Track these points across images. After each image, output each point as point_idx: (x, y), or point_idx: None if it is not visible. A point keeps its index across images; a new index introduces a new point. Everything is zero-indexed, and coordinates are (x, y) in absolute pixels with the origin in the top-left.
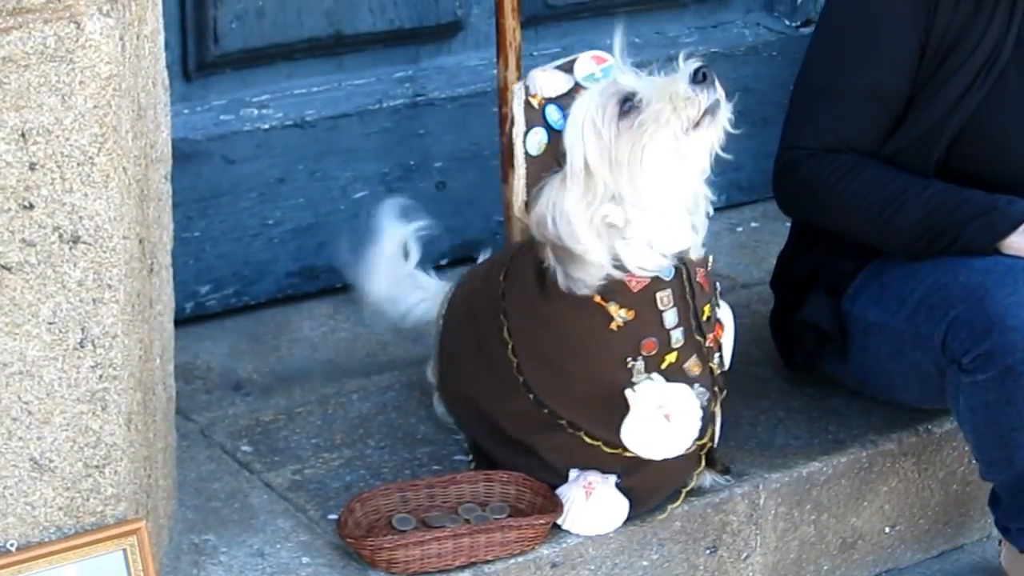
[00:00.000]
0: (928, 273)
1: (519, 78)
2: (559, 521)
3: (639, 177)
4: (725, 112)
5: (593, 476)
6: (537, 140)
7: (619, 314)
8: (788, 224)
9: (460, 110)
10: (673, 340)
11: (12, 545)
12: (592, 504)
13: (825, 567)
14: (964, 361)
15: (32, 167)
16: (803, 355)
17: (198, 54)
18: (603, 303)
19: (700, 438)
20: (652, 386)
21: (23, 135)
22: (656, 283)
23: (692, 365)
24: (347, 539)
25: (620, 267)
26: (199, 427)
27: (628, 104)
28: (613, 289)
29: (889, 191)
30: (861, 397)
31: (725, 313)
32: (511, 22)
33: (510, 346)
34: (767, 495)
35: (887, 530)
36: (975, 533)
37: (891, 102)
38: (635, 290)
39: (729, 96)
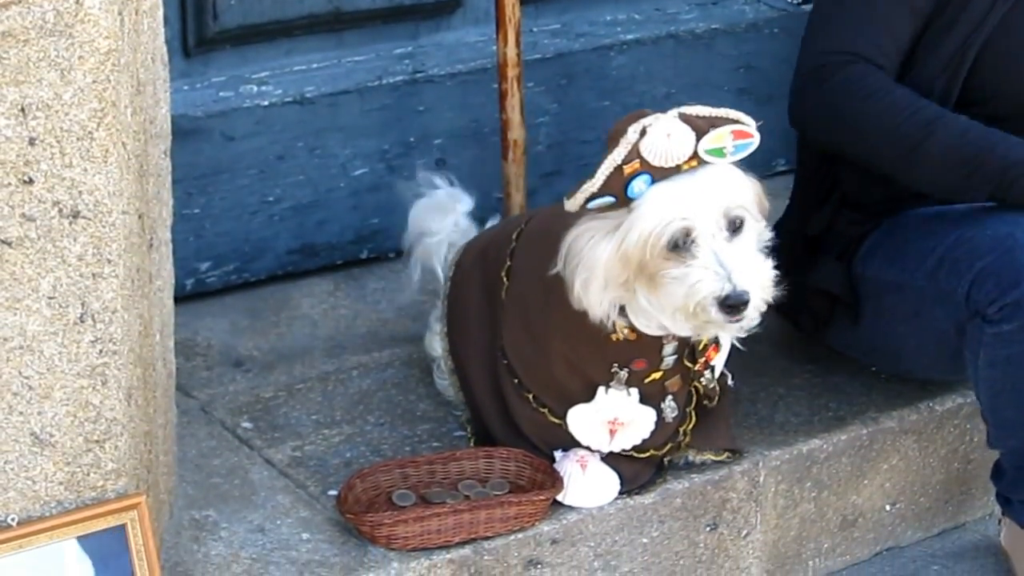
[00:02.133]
0: (951, 229)
1: (519, 55)
2: (558, 496)
3: (657, 302)
4: (753, 317)
5: (582, 451)
6: (600, 202)
7: (622, 331)
8: (789, 202)
9: (460, 87)
10: (663, 364)
11: (13, 520)
12: (589, 477)
13: (825, 544)
14: (989, 311)
15: (32, 142)
16: (811, 321)
17: (198, 30)
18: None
19: (656, 449)
20: (621, 401)
21: (23, 110)
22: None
23: (673, 383)
24: (347, 515)
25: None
26: (200, 404)
27: (682, 241)
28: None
29: (922, 115)
30: (862, 374)
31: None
32: None
33: (502, 304)
34: (767, 472)
35: (888, 508)
36: (976, 511)
37: (919, 19)
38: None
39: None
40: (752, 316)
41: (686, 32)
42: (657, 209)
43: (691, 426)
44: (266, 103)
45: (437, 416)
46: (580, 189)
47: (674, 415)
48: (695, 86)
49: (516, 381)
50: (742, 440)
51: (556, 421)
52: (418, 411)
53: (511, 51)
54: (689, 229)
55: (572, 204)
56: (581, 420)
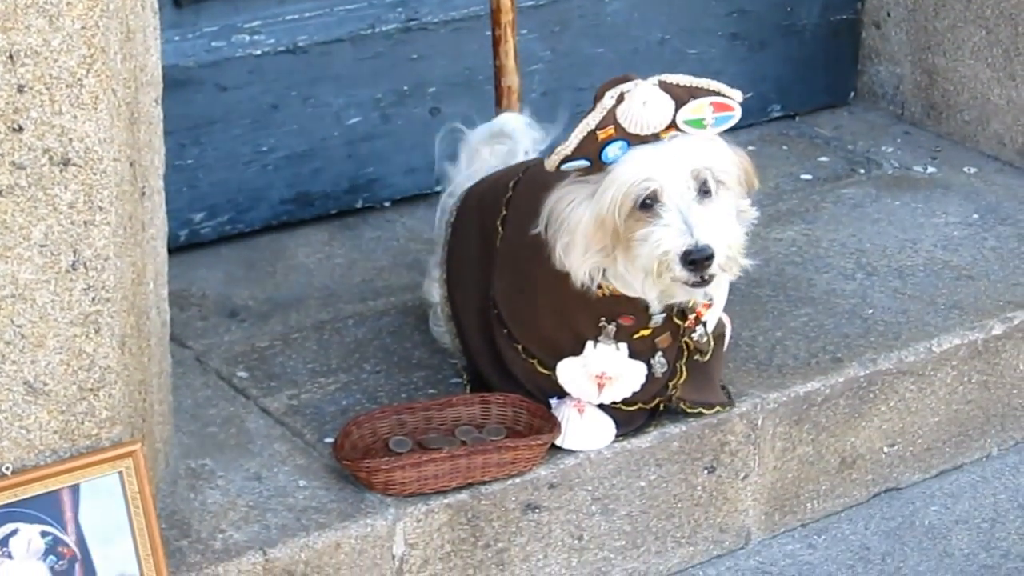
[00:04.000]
0: None
1: (512, 0)
2: (556, 440)
3: (631, 264)
4: (720, 283)
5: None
6: (575, 165)
7: (607, 288)
8: (785, 148)
9: (453, 34)
10: (651, 322)
11: (7, 469)
12: (586, 420)
13: (824, 487)
14: None
15: (21, 89)
16: None
17: None
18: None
19: (644, 403)
20: (609, 355)
21: (11, 57)
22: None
23: (663, 340)
24: (343, 462)
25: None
26: (195, 354)
27: (649, 202)
28: None
29: None
30: (860, 316)
31: (720, 288)
32: None
33: (497, 249)
34: (765, 415)
35: (886, 450)
36: (974, 453)
37: None
38: None
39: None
40: (716, 275)
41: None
42: (627, 171)
43: (681, 380)
44: (259, 52)
45: (433, 363)
46: (555, 151)
47: (663, 370)
48: (689, 32)
49: (506, 332)
50: (740, 383)
51: (545, 372)
52: (414, 359)
53: None
54: (656, 190)
55: (549, 164)
56: (570, 373)
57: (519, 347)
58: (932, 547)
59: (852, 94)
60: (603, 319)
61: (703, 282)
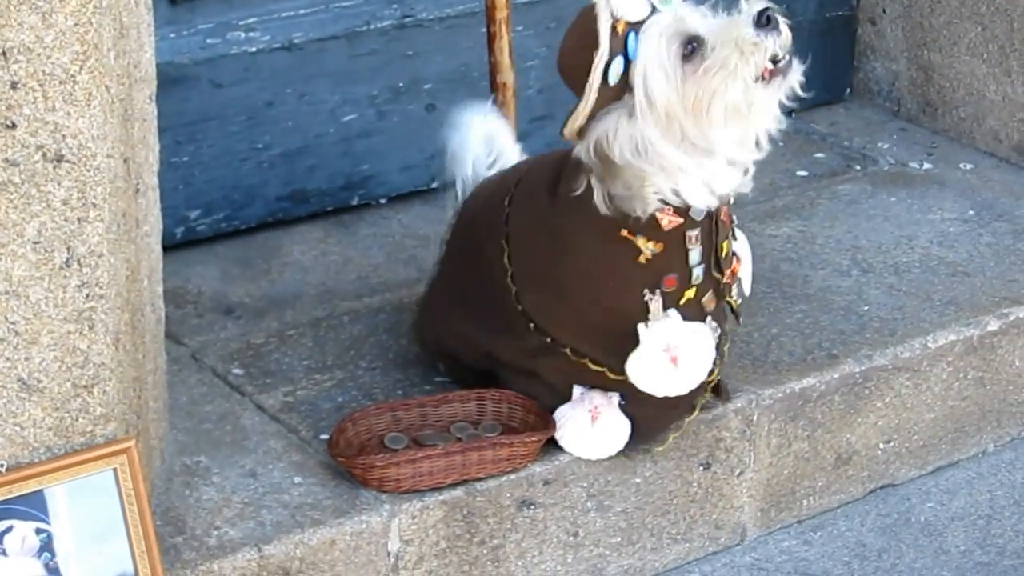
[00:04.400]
0: None
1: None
2: (560, 442)
3: (706, 124)
4: (797, 70)
5: (598, 398)
6: (616, 71)
7: (647, 247)
8: (781, 144)
9: (448, 31)
10: (693, 277)
11: (2, 466)
12: (597, 429)
13: (819, 483)
14: None
15: (14, 86)
16: None
17: None
18: (631, 236)
19: (708, 376)
20: (665, 326)
21: (4, 53)
22: (688, 222)
23: (708, 300)
24: (338, 458)
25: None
26: (190, 351)
27: (692, 47)
28: (644, 223)
29: None
30: (856, 313)
31: (742, 245)
32: None
33: (509, 273)
34: (760, 411)
35: (881, 446)
36: (970, 449)
37: None
38: (666, 228)
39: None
40: (787, 38)
41: None
42: (653, 37)
43: (727, 345)
44: (254, 49)
45: (428, 360)
46: (592, 69)
47: (717, 334)
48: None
49: (549, 340)
50: (736, 380)
51: (598, 368)
52: (410, 355)
53: None
54: (689, 32)
55: (585, 105)
56: (641, 367)
57: (567, 351)
58: (928, 544)
59: (848, 90)
60: (646, 291)
61: (783, 65)
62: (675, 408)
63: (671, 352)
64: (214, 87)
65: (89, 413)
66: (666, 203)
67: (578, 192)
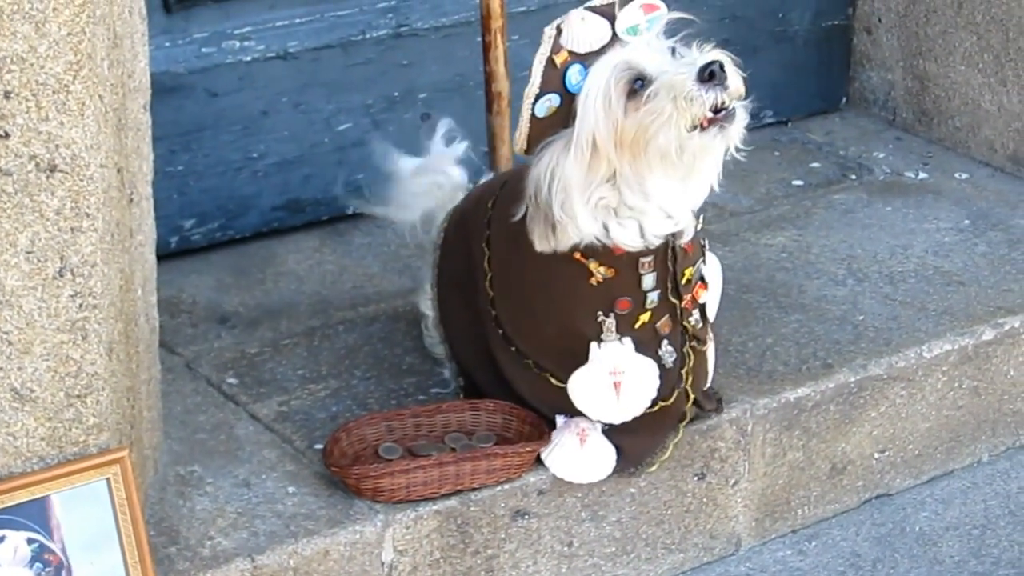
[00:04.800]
0: None
1: (502, 6)
2: (549, 467)
3: (644, 166)
4: (740, 121)
5: (584, 423)
6: (547, 106)
7: (598, 271)
8: (777, 154)
9: (444, 40)
10: (648, 301)
11: None
12: (586, 451)
13: (814, 493)
14: None
15: (7, 95)
16: None
17: None
18: (583, 260)
19: (663, 400)
20: (616, 350)
21: None
22: (640, 250)
23: (663, 324)
24: (332, 468)
25: (603, 239)
26: (185, 360)
27: (639, 84)
28: (595, 249)
29: None
30: (851, 322)
31: (712, 269)
32: None
33: (488, 277)
34: (755, 421)
35: (876, 455)
36: (965, 458)
37: None
38: (617, 253)
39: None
40: (734, 107)
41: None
42: (602, 70)
43: (692, 365)
44: (249, 59)
45: (423, 369)
46: (525, 95)
47: (672, 359)
48: (680, 37)
49: (514, 350)
50: (730, 390)
51: (559, 384)
52: (404, 365)
53: (494, 2)
54: (638, 70)
55: (520, 132)
56: (583, 384)
57: (530, 363)
58: (923, 554)
59: (844, 100)
60: (600, 313)
61: (724, 115)
62: (659, 433)
63: (615, 376)
64: (209, 96)
65: (82, 423)
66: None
67: (515, 219)
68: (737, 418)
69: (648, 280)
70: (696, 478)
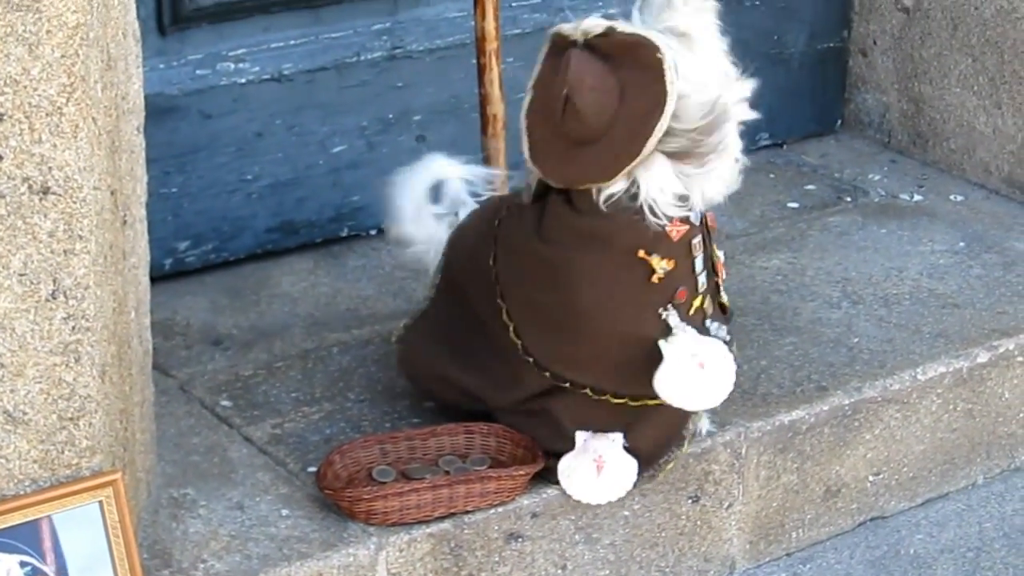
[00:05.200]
0: None
1: (497, 29)
2: (569, 492)
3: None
4: None
5: (601, 446)
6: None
7: (661, 265)
8: (772, 176)
9: (439, 62)
10: (700, 285)
11: None
12: (604, 477)
13: (809, 516)
14: None
15: (0, 118)
16: None
17: (173, 8)
18: (647, 257)
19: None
20: (688, 338)
21: None
22: (691, 229)
23: (707, 305)
24: (326, 491)
25: (658, 216)
26: (178, 382)
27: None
28: (656, 241)
29: None
30: (845, 345)
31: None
32: None
33: (504, 310)
34: (749, 444)
35: (871, 478)
36: (959, 481)
37: None
38: (675, 239)
39: None
40: None
41: None
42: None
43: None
44: (243, 80)
45: (417, 392)
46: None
47: (725, 331)
48: None
49: (547, 374)
50: (725, 412)
51: (599, 398)
52: (398, 387)
53: (489, 25)
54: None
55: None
56: (670, 379)
57: (567, 384)
58: None
59: (839, 122)
60: (661, 308)
61: None
62: (672, 434)
63: (697, 358)
64: (203, 118)
65: (75, 445)
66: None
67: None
68: (731, 441)
69: (699, 262)
70: (690, 501)
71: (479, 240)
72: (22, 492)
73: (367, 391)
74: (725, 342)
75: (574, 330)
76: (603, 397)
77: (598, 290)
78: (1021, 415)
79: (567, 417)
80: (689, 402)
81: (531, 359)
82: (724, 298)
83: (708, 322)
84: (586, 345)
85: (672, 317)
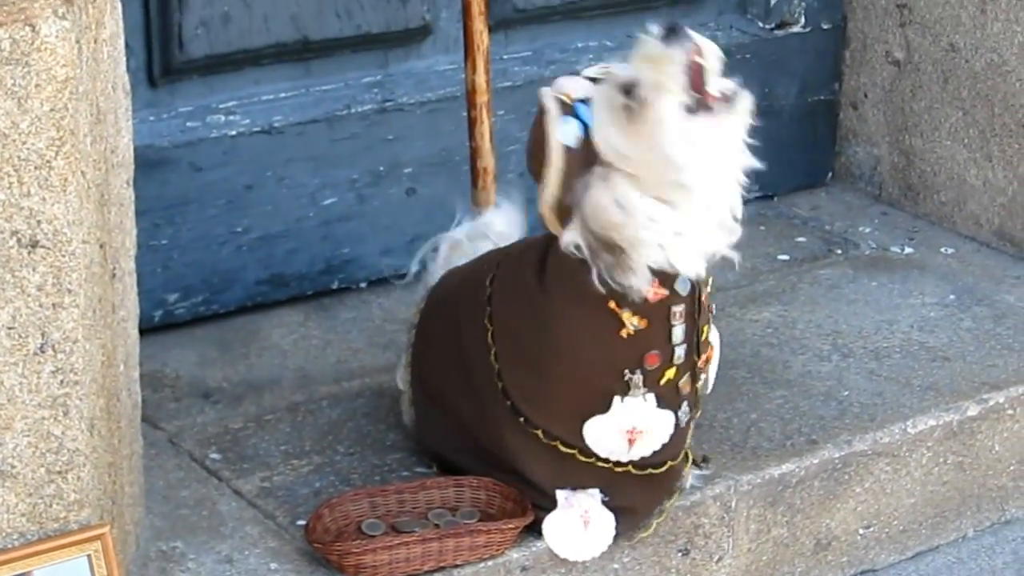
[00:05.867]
0: None
1: (488, 82)
2: (555, 551)
3: (659, 164)
4: (744, 98)
5: (585, 501)
6: (573, 132)
7: (631, 321)
8: (763, 228)
9: (429, 115)
10: (675, 356)
11: None
12: (591, 532)
13: (799, 569)
14: None
15: None
16: None
17: (163, 60)
18: (617, 309)
19: (672, 459)
20: (639, 406)
21: None
22: (673, 297)
23: (684, 383)
24: (315, 544)
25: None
26: (167, 435)
27: (630, 90)
28: (629, 296)
29: None
30: (835, 398)
31: (714, 337)
32: (479, 25)
33: (492, 351)
34: (739, 497)
35: (861, 531)
36: (950, 534)
37: None
38: (652, 301)
39: None
40: (706, 44)
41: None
42: (602, 87)
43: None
44: (234, 133)
45: (407, 446)
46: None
47: (687, 419)
48: None
49: (522, 420)
50: (714, 465)
51: (569, 451)
52: (388, 441)
53: (480, 78)
54: (621, 76)
55: (555, 149)
56: (597, 432)
57: (539, 432)
58: None
59: (830, 175)
60: (627, 370)
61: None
62: (655, 494)
63: (633, 434)
64: (194, 170)
65: (63, 499)
66: (656, 273)
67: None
68: (721, 494)
69: (678, 332)
70: (680, 554)
71: (475, 280)
72: (10, 546)
73: (357, 444)
74: (680, 426)
75: (538, 368)
76: (553, 443)
77: (566, 332)
78: (1011, 468)
79: (538, 470)
80: (603, 453)
81: (504, 390)
82: (701, 384)
83: (684, 404)
84: (547, 385)
85: (636, 380)
